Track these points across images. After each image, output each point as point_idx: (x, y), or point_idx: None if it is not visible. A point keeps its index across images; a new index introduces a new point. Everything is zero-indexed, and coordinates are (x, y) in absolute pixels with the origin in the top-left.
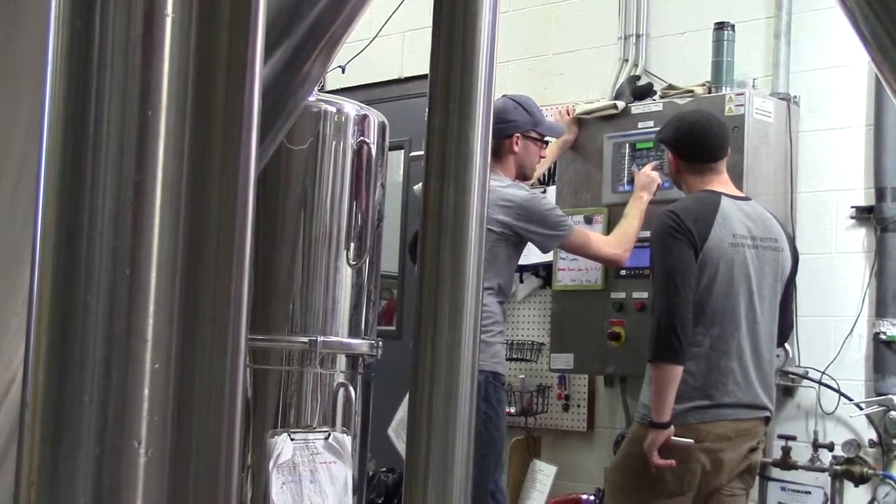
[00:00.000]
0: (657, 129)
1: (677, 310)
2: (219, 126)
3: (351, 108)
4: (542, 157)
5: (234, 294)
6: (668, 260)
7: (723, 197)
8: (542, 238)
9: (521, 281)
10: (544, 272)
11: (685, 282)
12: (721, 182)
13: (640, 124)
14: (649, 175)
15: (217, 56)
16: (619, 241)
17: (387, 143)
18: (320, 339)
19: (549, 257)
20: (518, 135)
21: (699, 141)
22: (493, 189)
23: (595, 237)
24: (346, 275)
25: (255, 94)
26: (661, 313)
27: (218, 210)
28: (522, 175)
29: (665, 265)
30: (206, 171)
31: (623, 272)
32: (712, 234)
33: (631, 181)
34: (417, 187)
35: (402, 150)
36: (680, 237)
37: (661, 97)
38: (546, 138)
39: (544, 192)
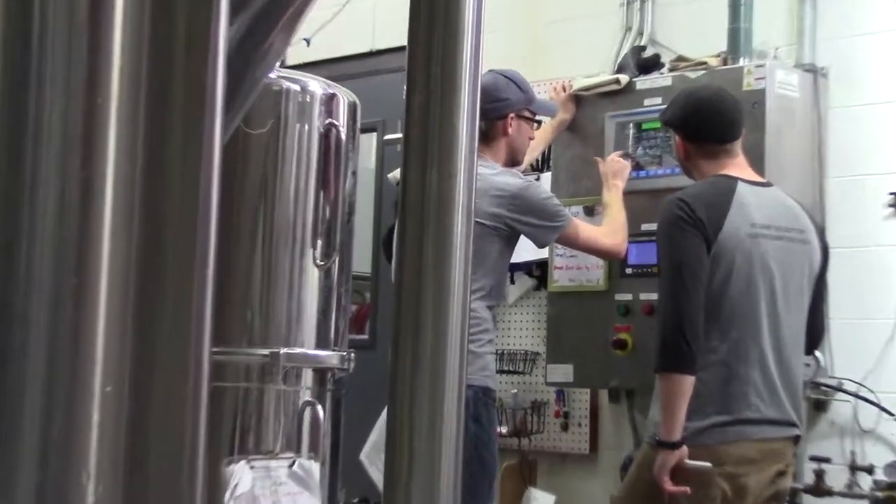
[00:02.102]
0: (666, 106)
1: (686, 310)
2: (178, 114)
3: (317, 85)
4: (530, 139)
5: (196, 306)
6: (675, 253)
7: (739, 182)
8: (538, 231)
9: (513, 282)
10: (538, 271)
11: (695, 278)
12: (737, 166)
13: (647, 101)
14: (618, 161)
15: (175, 33)
16: (615, 230)
17: (358, 126)
18: (283, 350)
19: (543, 254)
20: (512, 115)
21: (710, 120)
22: (482, 177)
23: (592, 228)
24: (312, 277)
25: (218, 77)
26: (667, 315)
27: (178, 210)
28: (513, 160)
29: (672, 259)
30: (165, 167)
31: (629, 270)
32: (727, 222)
33: (636, 167)
34: (393, 175)
35: (376, 133)
36: (689, 227)
37: (671, 70)
38: (538, 117)
39: (538, 179)
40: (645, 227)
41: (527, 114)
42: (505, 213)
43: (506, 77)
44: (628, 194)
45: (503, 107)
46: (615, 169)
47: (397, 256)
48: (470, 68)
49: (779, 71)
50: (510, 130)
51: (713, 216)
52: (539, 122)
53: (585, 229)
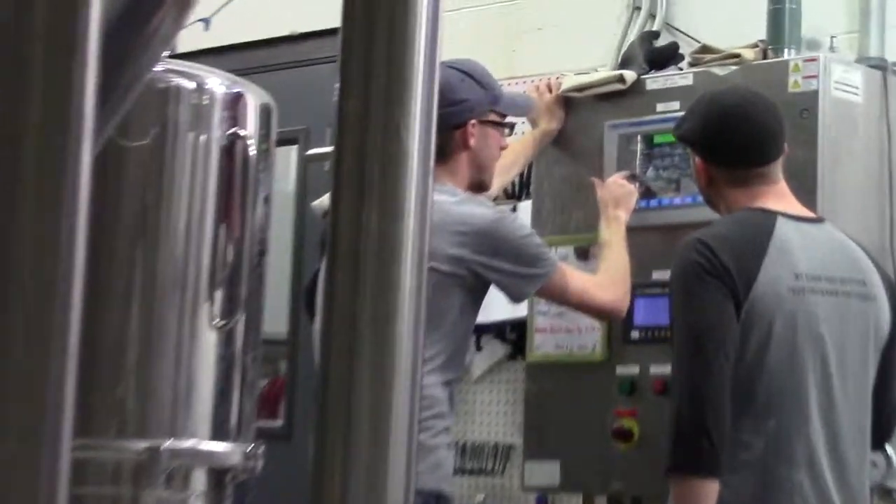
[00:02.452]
0: (683, 115)
1: (707, 393)
2: (33, 121)
3: (217, 82)
4: (501, 149)
5: (51, 386)
6: (692, 315)
7: (779, 217)
8: (513, 280)
9: (479, 348)
10: (514, 334)
11: (720, 348)
12: (777, 195)
13: (660, 106)
14: (621, 184)
15: (28, 14)
16: (614, 282)
17: (273, 136)
18: (166, 444)
19: (521, 311)
20: (474, 121)
21: (740, 134)
22: (439, 207)
23: (585, 278)
24: (207, 342)
25: (88, 71)
26: (682, 398)
27: (29, 254)
28: (479, 182)
29: (688, 323)
30: (13, 193)
31: (636, 334)
32: (763, 273)
33: (645, 194)
34: (320, 203)
35: (296, 147)
36: (712, 279)
37: (692, 65)
38: (508, 119)
39: (514, 210)
40: (657, 275)
41: (493, 117)
42: (469, 255)
43: (460, 71)
44: (635, 230)
45: (460, 111)
46: (617, 196)
47: (324, 315)
48: (424, 63)
49: (836, 67)
50: (472, 142)
51: (744, 264)
52: (511, 127)
53: (577, 279)
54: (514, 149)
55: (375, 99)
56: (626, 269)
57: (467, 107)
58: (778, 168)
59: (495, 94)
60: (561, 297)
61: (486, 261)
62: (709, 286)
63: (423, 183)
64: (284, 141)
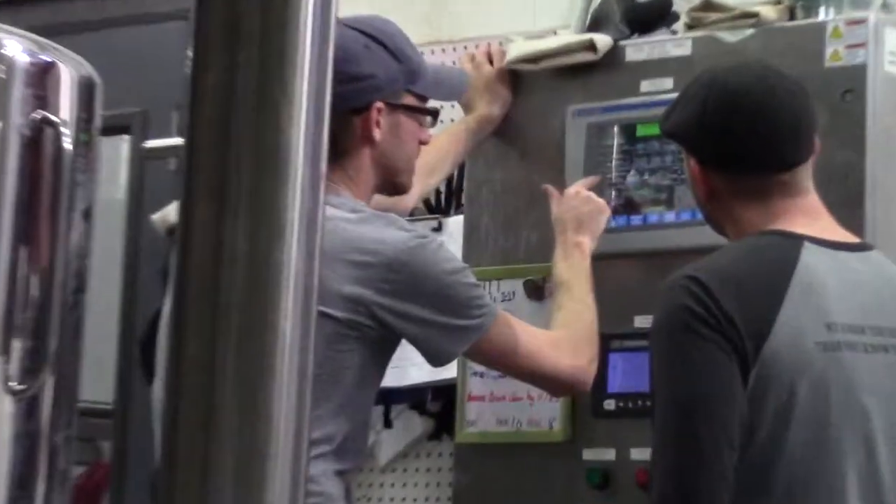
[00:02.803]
0: (674, 99)
1: (698, 488)
2: None
3: (18, 47)
4: (422, 144)
5: None
6: (680, 382)
7: (806, 244)
8: (434, 334)
9: (388, 424)
10: (437, 404)
11: (717, 429)
12: (804, 212)
13: (646, 84)
14: (587, 198)
15: None
16: (576, 341)
17: (97, 123)
18: None
19: (447, 372)
20: (380, 104)
21: (752, 129)
22: (331, 226)
23: (538, 335)
24: (1, 412)
25: None
26: (664, 496)
27: None
28: (391, 187)
29: (675, 393)
30: None
31: (610, 405)
32: (781, 323)
33: (625, 209)
34: (162, 217)
35: (129, 137)
36: (708, 332)
37: (690, 27)
38: (431, 103)
39: (438, 229)
40: (641, 321)
41: (408, 100)
42: (371, 296)
43: (364, 34)
44: (609, 259)
45: (362, 91)
46: (580, 214)
47: (168, 375)
48: (313, 19)
49: (892, 32)
50: (376, 133)
51: (755, 311)
52: (434, 114)
53: (525, 336)
54: (440, 144)
55: (244, 71)
56: (592, 322)
57: (372, 84)
58: (806, 174)
59: (413, 68)
60: (501, 360)
61: (395, 305)
62: (704, 342)
63: (310, 190)
64: (113, 129)
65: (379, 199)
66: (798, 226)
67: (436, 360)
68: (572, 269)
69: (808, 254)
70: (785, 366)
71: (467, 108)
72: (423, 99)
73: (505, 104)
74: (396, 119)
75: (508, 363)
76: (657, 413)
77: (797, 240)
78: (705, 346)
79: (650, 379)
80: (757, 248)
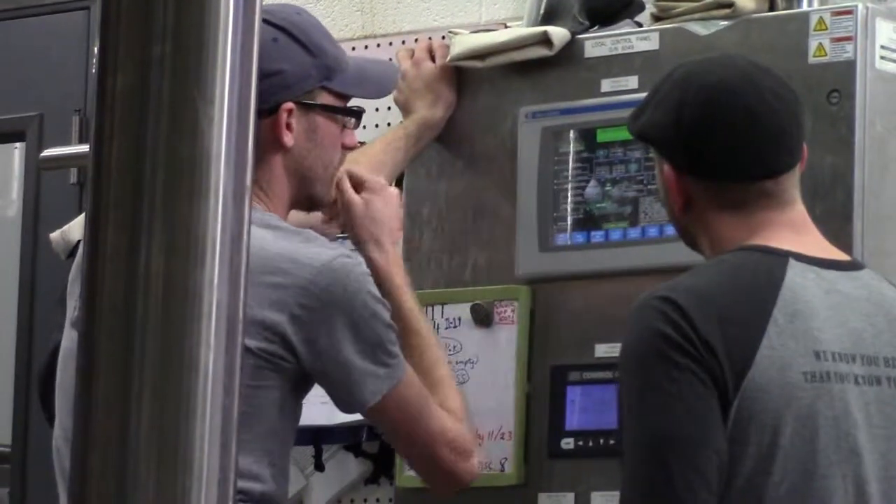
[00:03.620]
0: (644, 99)
1: None
2: None
3: None
4: (346, 149)
5: None
6: (652, 417)
7: (791, 262)
8: (348, 375)
9: (319, 467)
10: (375, 444)
11: (693, 469)
12: (790, 226)
13: (608, 83)
14: (381, 193)
15: None
16: (463, 410)
17: None
18: None
19: None
20: (290, 104)
21: (731, 131)
22: (252, 245)
23: (433, 400)
24: None
25: None
26: None
27: None
28: (308, 200)
29: (645, 429)
30: None
31: (568, 443)
32: (764, 351)
33: (585, 224)
34: (62, 236)
35: (21, 145)
36: (683, 360)
37: (657, 18)
38: (354, 102)
39: None
40: (603, 350)
41: (325, 98)
42: (285, 322)
43: (273, 26)
44: (564, 282)
45: (267, 89)
46: (373, 213)
47: (75, 416)
48: (235, 9)
49: (883, 23)
50: (287, 138)
51: (735, 337)
52: (358, 114)
53: (426, 400)
54: (374, 152)
55: (157, 69)
56: (447, 376)
57: (279, 82)
58: (793, 183)
59: (328, 63)
60: (403, 426)
61: (308, 335)
62: (679, 371)
63: (234, 204)
64: (4, 136)
65: (301, 217)
66: (783, 241)
67: (346, 406)
68: (410, 297)
69: (794, 273)
70: (769, 400)
71: (406, 111)
72: (345, 98)
73: (448, 106)
74: (312, 121)
75: (410, 431)
76: (626, 452)
77: (782, 257)
78: (681, 375)
79: (618, 413)
80: (737, 266)
